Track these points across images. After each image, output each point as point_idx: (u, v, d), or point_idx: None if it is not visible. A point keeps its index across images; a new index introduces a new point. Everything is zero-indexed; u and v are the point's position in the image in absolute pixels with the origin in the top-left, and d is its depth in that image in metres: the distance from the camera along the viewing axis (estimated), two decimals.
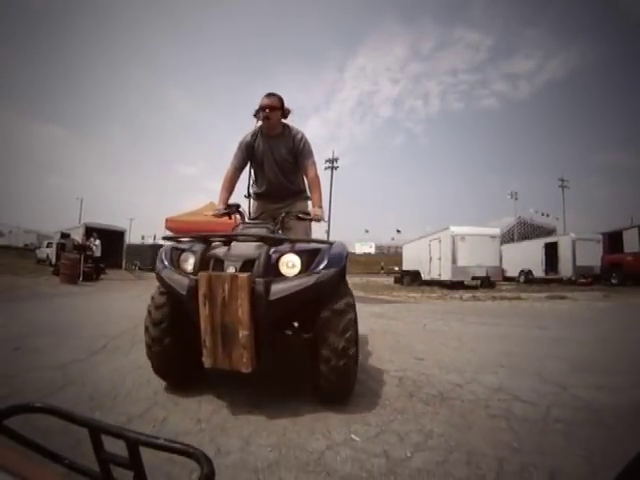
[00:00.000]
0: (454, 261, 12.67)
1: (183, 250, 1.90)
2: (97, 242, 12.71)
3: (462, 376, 2.31)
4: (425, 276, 14.98)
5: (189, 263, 1.81)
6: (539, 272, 16.01)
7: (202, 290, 1.58)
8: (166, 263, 1.87)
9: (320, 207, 2.31)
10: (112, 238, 16.21)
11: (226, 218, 2.32)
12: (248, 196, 2.59)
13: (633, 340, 3.63)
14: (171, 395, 1.91)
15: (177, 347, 1.83)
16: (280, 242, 1.84)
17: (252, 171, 2.52)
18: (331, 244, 1.84)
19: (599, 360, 2.78)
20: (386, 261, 29.34)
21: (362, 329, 2.77)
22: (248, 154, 2.42)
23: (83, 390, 1.94)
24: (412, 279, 15.85)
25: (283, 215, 2.25)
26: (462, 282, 12.77)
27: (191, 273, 1.74)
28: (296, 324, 1.84)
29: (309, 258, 1.73)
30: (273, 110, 2.28)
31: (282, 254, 1.73)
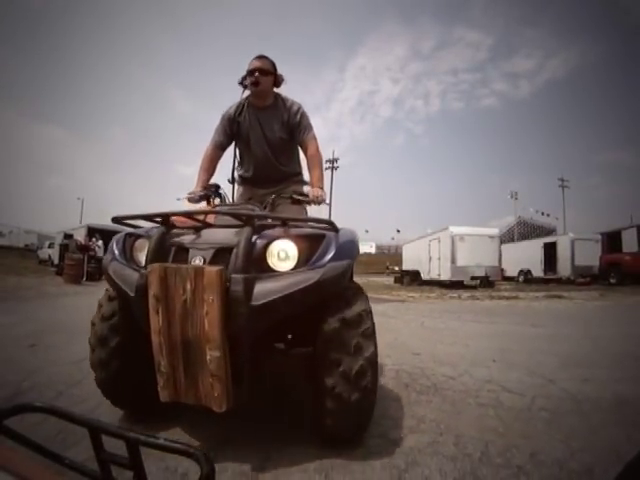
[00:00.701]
0: (453, 261, 12.82)
1: (139, 236, 1.45)
2: (99, 243, 12.84)
3: (455, 369, 2.45)
4: (425, 276, 15.12)
5: (144, 253, 1.36)
6: (538, 272, 16.12)
7: (153, 290, 1.15)
8: (116, 253, 1.42)
9: (321, 188, 1.85)
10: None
11: (204, 203, 1.88)
12: (232, 181, 2.14)
13: (623, 337, 3.76)
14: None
15: (132, 371, 1.40)
16: (270, 225, 1.40)
17: (237, 151, 2.08)
18: (337, 229, 1.38)
19: (588, 356, 2.91)
20: (389, 261, 29.32)
21: None
22: (232, 130, 1.99)
23: None
24: (412, 279, 15.99)
25: (273, 197, 1.83)
26: (461, 282, 12.91)
27: (144, 267, 1.29)
28: (290, 336, 1.49)
29: (309, 246, 1.29)
30: (265, 74, 1.88)
31: (271, 240, 1.29)
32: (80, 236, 13.94)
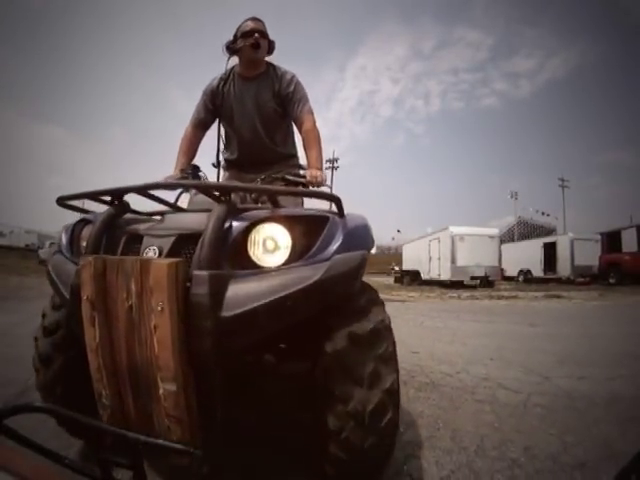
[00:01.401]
0: (453, 261, 12.88)
1: (88, 222, 1.17)
2: None
3: (453, 367, 2.50)
4: (425, 276, 15.17)
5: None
6: (538, 272, 16.16)
7: (86, 291, 0.83)
8: (63, 244, 1.17)
9: (319, 169, 1.54)
10: None
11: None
12: (218, 165, 1.84)
13: (621, 336, 3.80)
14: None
15: (83, 398, 0.97)
16: (253, 207, 1.09)
17: (222, 129, 1.80)
18: (343, 211, 1.02)
19: (586, 354, 2.95)
20: (394, 261, 29.03)
21: None
22: (215, 105, 1.73)
23: None
24: (412, 279, 16.05)
25: (263, 177, 1.50)
26: (461, 282, 12.96)
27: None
28: (282, 345, 1.13)
29: (308, 232, 0.95)
30: (263, 37, 1.65)
31: (254, 223, 0.94)
32: None
